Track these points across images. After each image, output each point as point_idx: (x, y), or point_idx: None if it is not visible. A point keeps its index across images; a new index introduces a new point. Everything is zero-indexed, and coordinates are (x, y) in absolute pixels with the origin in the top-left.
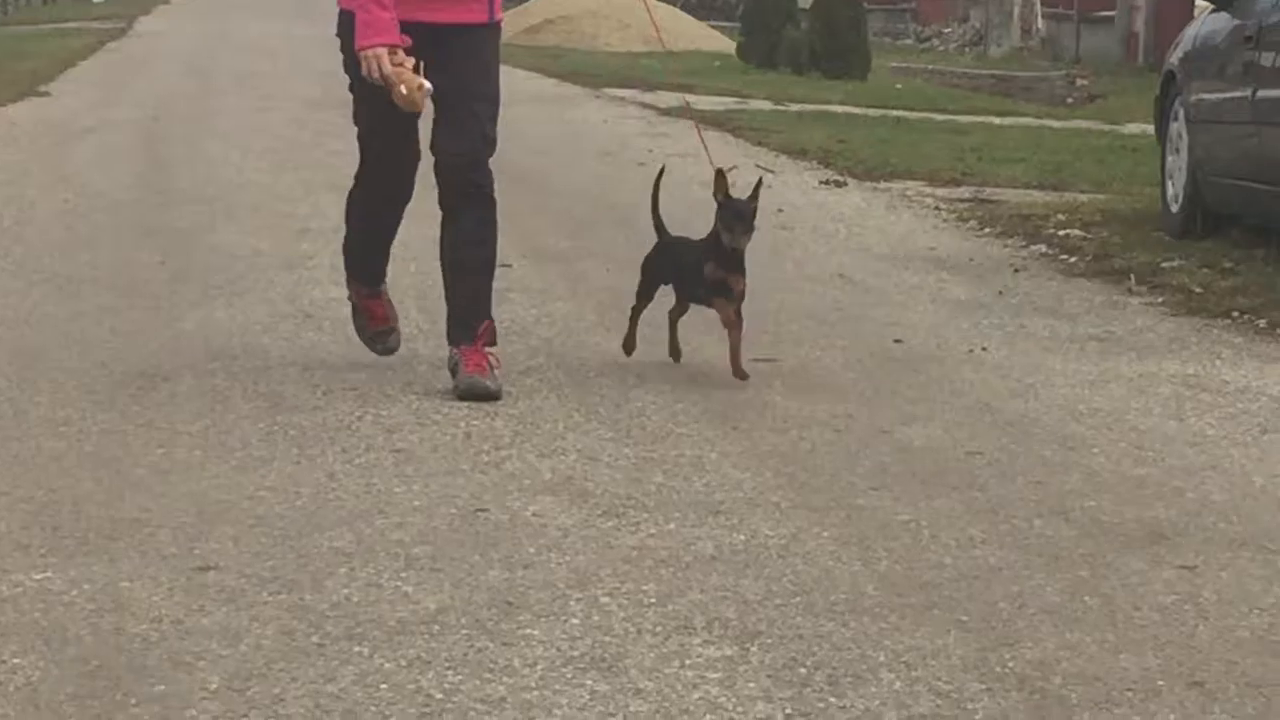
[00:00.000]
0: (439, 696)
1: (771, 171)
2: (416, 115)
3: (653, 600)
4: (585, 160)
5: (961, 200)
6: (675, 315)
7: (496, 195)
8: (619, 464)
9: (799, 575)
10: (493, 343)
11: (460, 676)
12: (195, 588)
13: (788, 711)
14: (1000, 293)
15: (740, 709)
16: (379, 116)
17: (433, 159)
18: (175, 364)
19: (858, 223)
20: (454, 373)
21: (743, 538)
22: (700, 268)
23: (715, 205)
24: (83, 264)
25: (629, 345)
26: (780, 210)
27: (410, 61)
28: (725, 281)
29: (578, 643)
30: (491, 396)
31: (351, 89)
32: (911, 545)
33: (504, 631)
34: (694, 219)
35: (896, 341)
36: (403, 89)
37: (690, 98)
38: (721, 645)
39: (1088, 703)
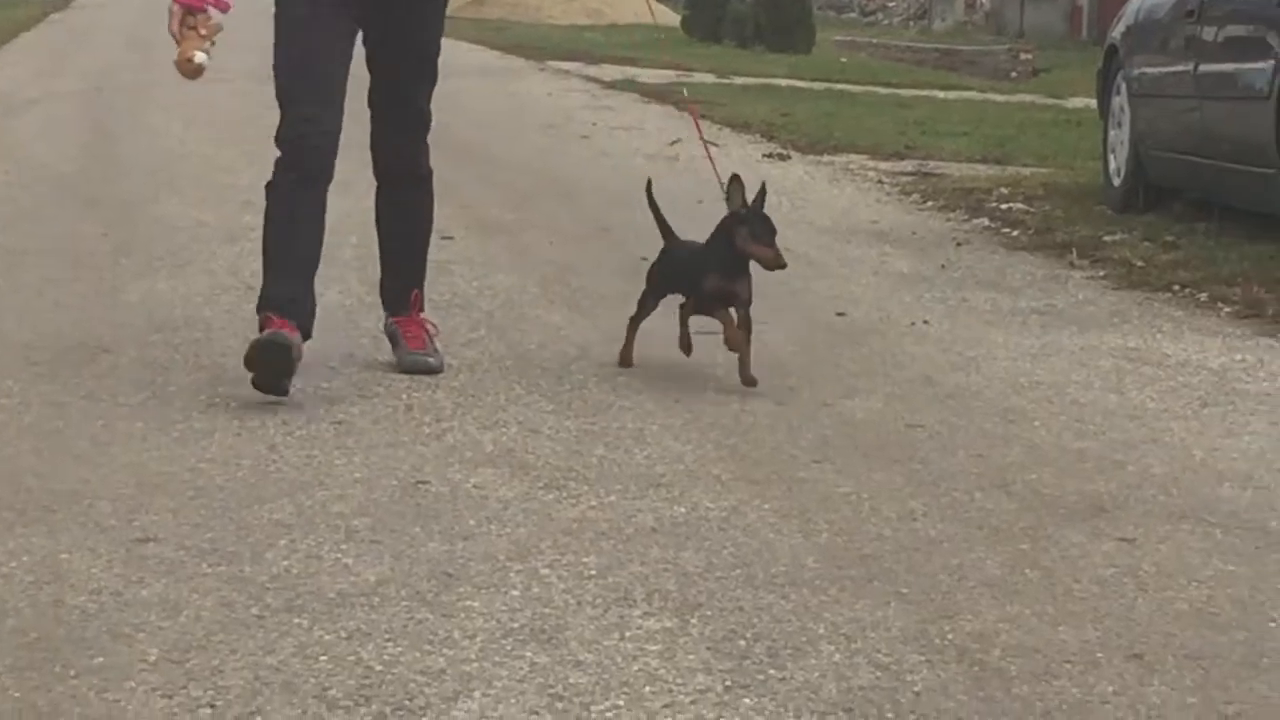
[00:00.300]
0: (378, 668)
1: (716, 145)
2: (338, 71)
3: (593, 572)
4: (529, 133)
5: (905, 174)
6: (687, 311)
7: (440, 170)
8: (560, 436)
9: (739, 548)
10: (421, 308)
11: (400, 648)
12: (135, 560)
13: (727, 683)
14: (943, 266)
15: (680, 681)
16: (305, 49)
17: (370, 141)
18: (117, 336)
19: (801, 196)
20: (393, 341)
21: (683, 510)
22: (703, 251)
23: (728, 212)
24: (25, 235)
25: (625, 358)
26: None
27: (211, 27)
28: (733, 291)
29: (518, 614)
30: (433, 372)
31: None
32: (852, 518)
33: (444, 603)
34: (635, 190)
35: (839, 315)
36: (177, 55)
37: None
38: (661, 617)
39: (1027, 674)
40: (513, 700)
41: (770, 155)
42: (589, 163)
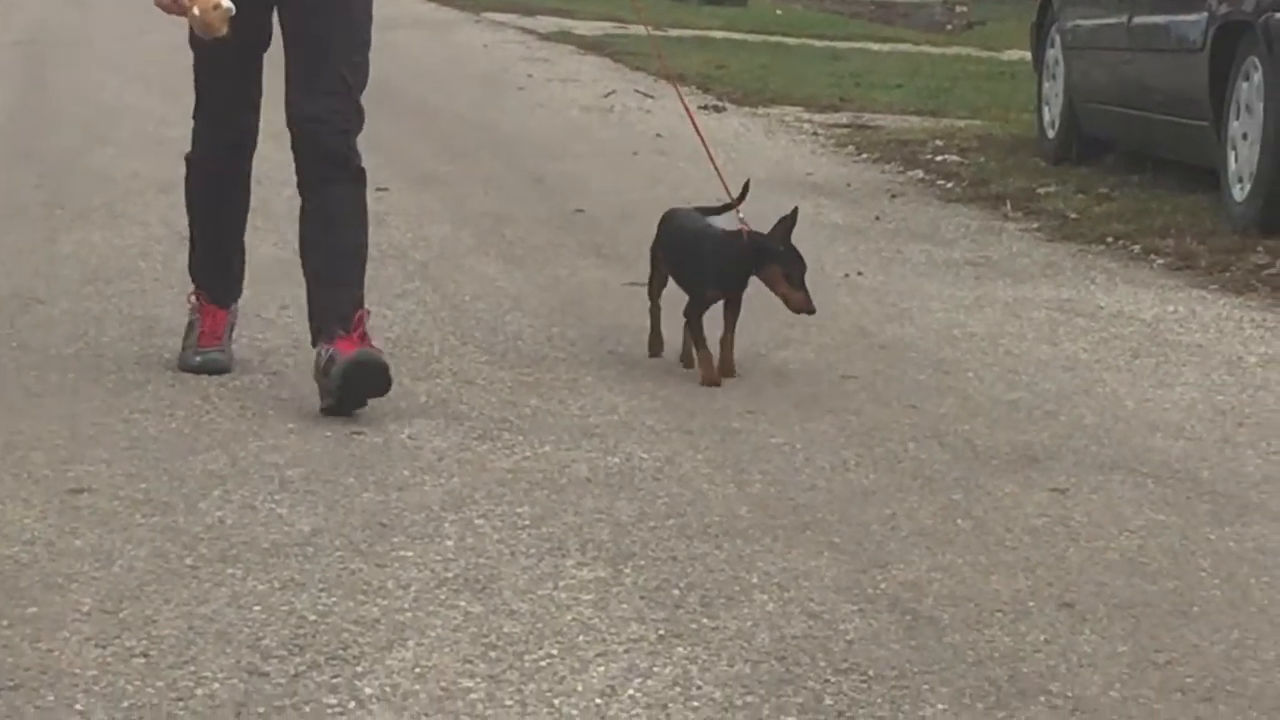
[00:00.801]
0: (312, 618)
1: (651, 96)
2: (256, 49)
3: (526, 522)
4: (465, 85)
5: (840, 126)
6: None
7: (375, 122)
8: (494, 387)
9: (673, 498)
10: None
11: (334, 598)
12: (68, 510)
13: (660, 632)
14: (877, 218)
15: (613, 630)
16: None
17: (287, 123)
18: (50, 287)
19: (736, 148)
20: (326, 371)
21: (617, 460)
22: (713, 256)
23: (758, 239)
24: None
25: (654, 345)
26: (658, 135)
27: None
28: (737, 299)
29: (451, 564)
30: (382, 370)
31: None
32: (785, 468)
33: (378, 553)
34: (570, 142)
35: None
36: (195, 9)
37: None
38: (595, 567)
39: (959, 623)
40: (446, 649)
41: (705, 107)
42: (525, 114)
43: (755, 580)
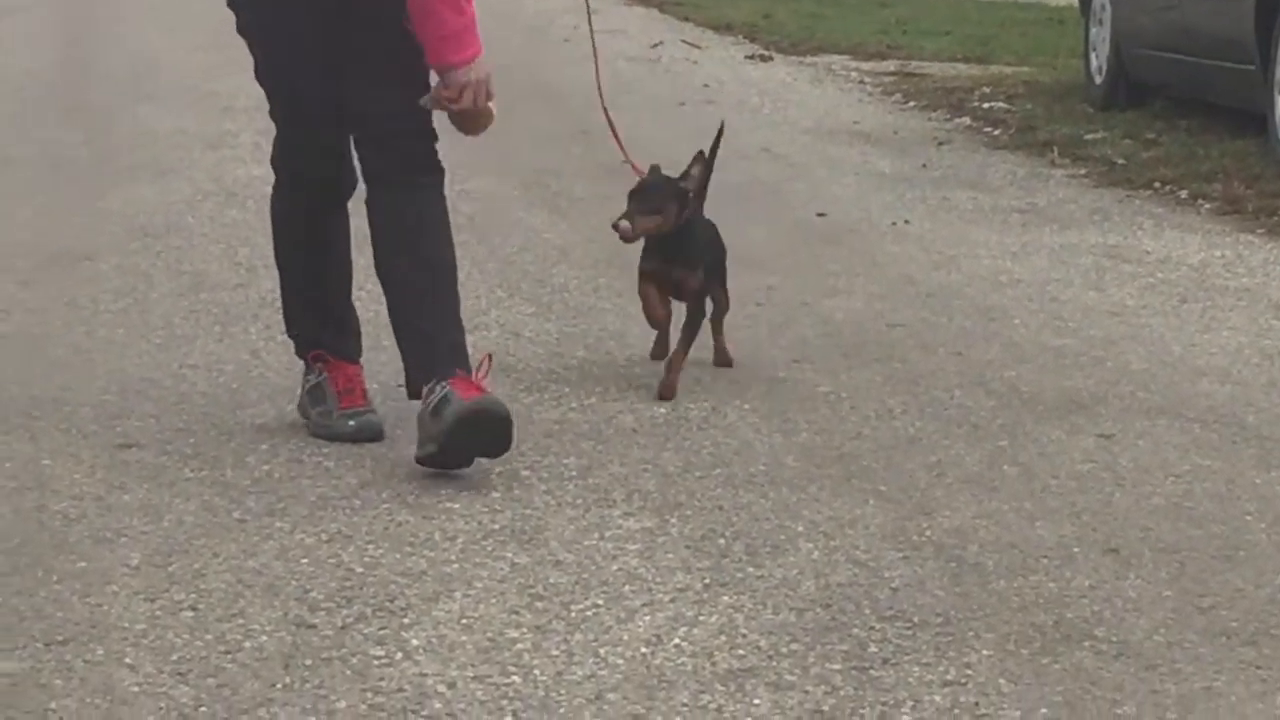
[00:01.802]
0: (359, 570)
1: (698, 46)
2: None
3: (573, 473)
4: (512, 37)
5: (886, 74)
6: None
7: None
8: (541, 339)
9: (719, 447)
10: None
11: (381, 550)
12: (117, 465)
13: (706, 581)
14: (924, 166)
15: (659, 579)
16: (299, 75)
17: (353, 125)
18: (98, 243)
19: (782, 97)
20: (436, 412)
21: (663, 411)
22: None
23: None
24: (4, 144)
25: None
26: (706, 85)
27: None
28: (657, 266)
29: (498, 516)
30: (504, 426)
31: (251, 46)
32: (831, 417)
33: (424, 505)
34: (616, 93)
35: (820, 215)
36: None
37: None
38: (641, 517)
39: (1003, 569)
40: (493, 600)
41: (752, 57)
42: (571, 66)
43: (800, 529)
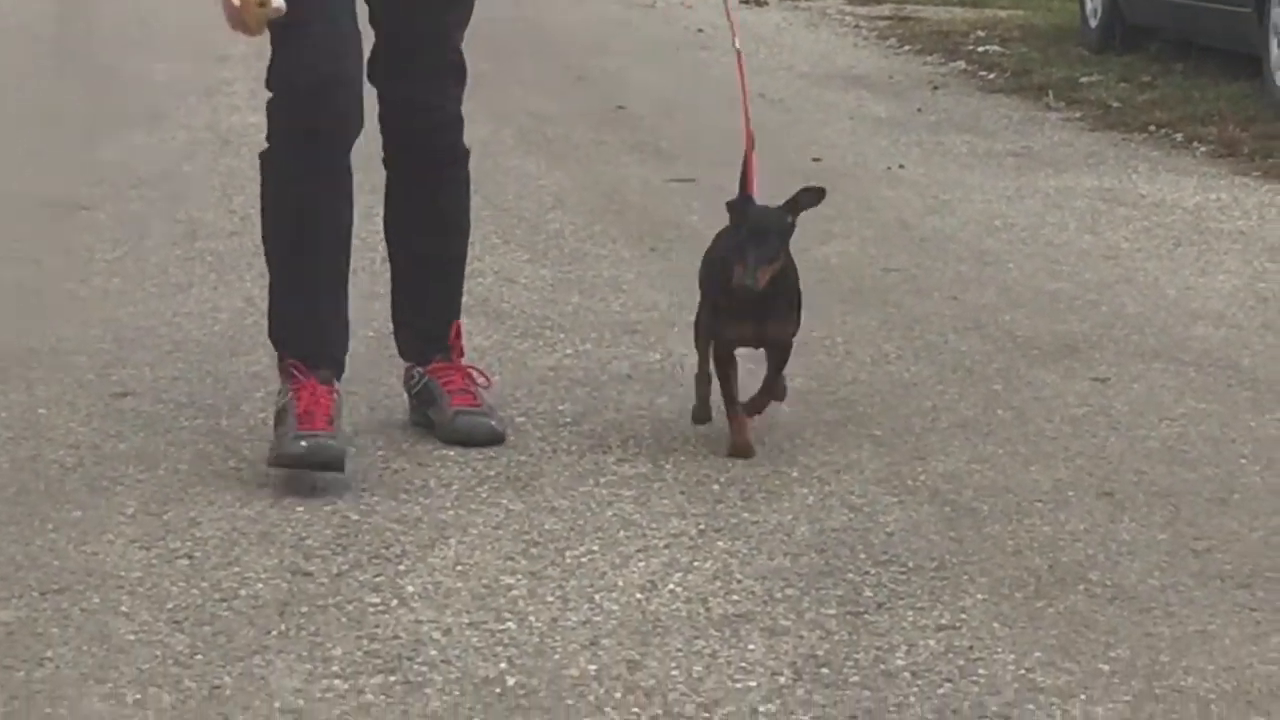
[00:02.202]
0: (355, 518)
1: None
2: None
3: (568, 420)
4: None
5: (881, 18)
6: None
7: None
8: (536, 285)
9: (714, 393)
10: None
11: (376, 498)
12: (113, 414)
13: (701, 527)
14: (919, 110)
15: (654, 525)
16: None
17: (379, 107)
18: (93, 191)
19: (777, 42)
20: (423, 399)
21: (658, 357)
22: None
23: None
24: (1, 94)
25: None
26: (700, 31)
27: None
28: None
29: (493, 463)
30: (497, 440)
31: None
32: (826, 362)
33: (420, 453)
34: (611, 39)
35: (815, 160)
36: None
37: None
38: (636, 463)
39: (998, 514)
40: (488, 547)
41: (747, 1)
42: (566, 11)
43: (795, 474)
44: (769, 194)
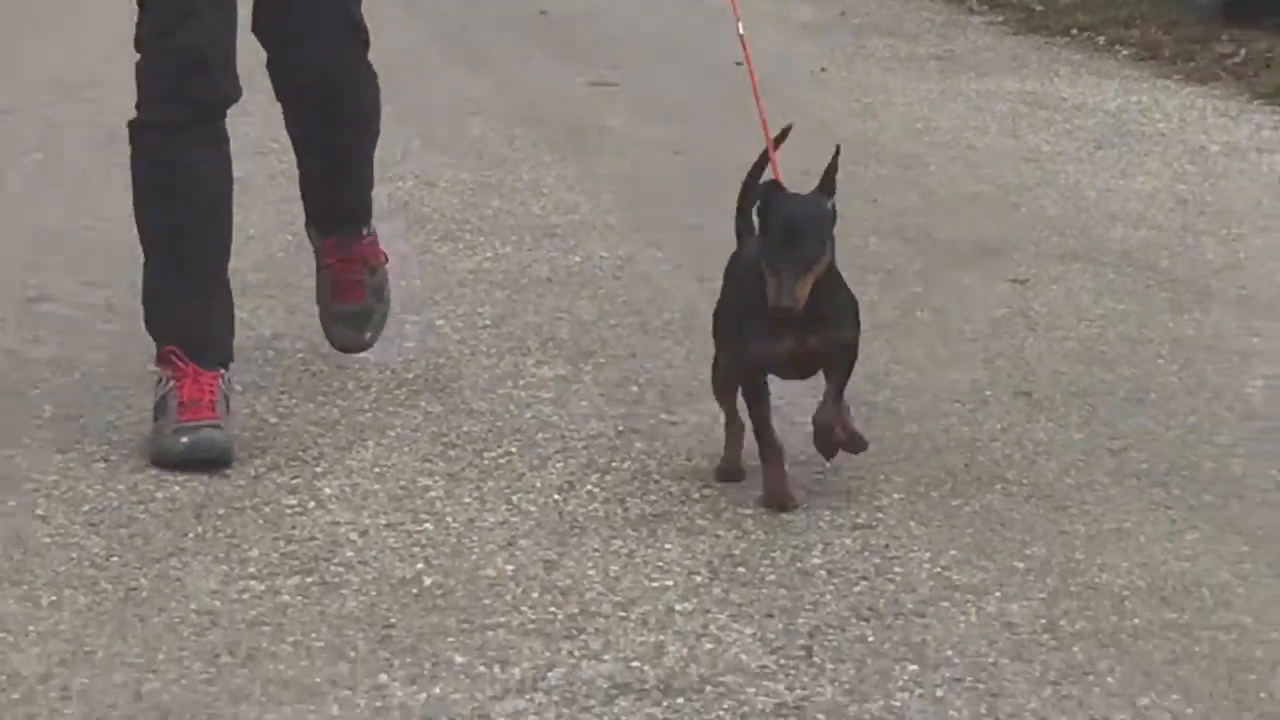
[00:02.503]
0: (273, 420)
1: None
2: None
3: (487, 322)
4: None
5: None
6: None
7: None
8: (456, 189)
9: (633, 295)
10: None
11: (294, 400)
12: (30, 318)
13: (620, 428)
14: (842, 14)
15: (572, 427)
16: None
17: (269, 64)
18: (12, 98)
19: None
20: (319, 278)
21: (578, 260)
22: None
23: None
24: None
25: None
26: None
27: None
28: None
29: (411, 365)
30: (361, 348)
31: None
32: None
33: (338, 355)
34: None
35: (738, 64)
36: None
37: None
38: (555, 365)
39: (915, 414)
40: (406, 449)
41: None
42: None
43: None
44: (701, 99)
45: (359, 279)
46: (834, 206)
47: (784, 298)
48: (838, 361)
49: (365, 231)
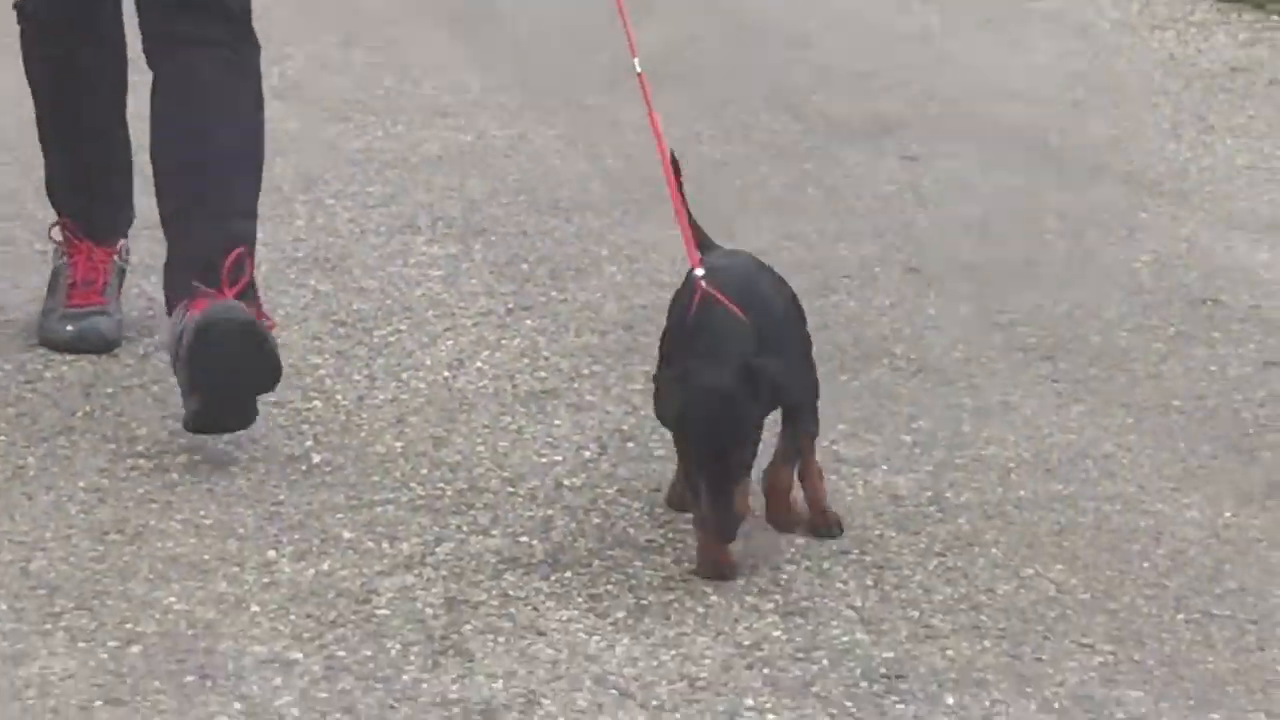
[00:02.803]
0: (161, 298)
1: None
2: None
3: (377, 201)
4: None
5: None
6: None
7: None
8: (347, 69)
9: (524, 174)
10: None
11: None
12: None
13: (509, 306)
14: None
15: (462, 305)
16: None
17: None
18: None
19: None
20: (175, 352)
21: (469, 139)
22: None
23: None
24: None
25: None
26: None
27: None
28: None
29: (301, 244)
30: (259, 340)
31: None
32: (637, 143)
33: None
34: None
35: None
36: None
37: None
38: (445, 244)
39: (805, 289)
40: (295, 327)
41: None
42: None
43: (605, 252)
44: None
45: None
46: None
47: (721, 532)
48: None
49: None
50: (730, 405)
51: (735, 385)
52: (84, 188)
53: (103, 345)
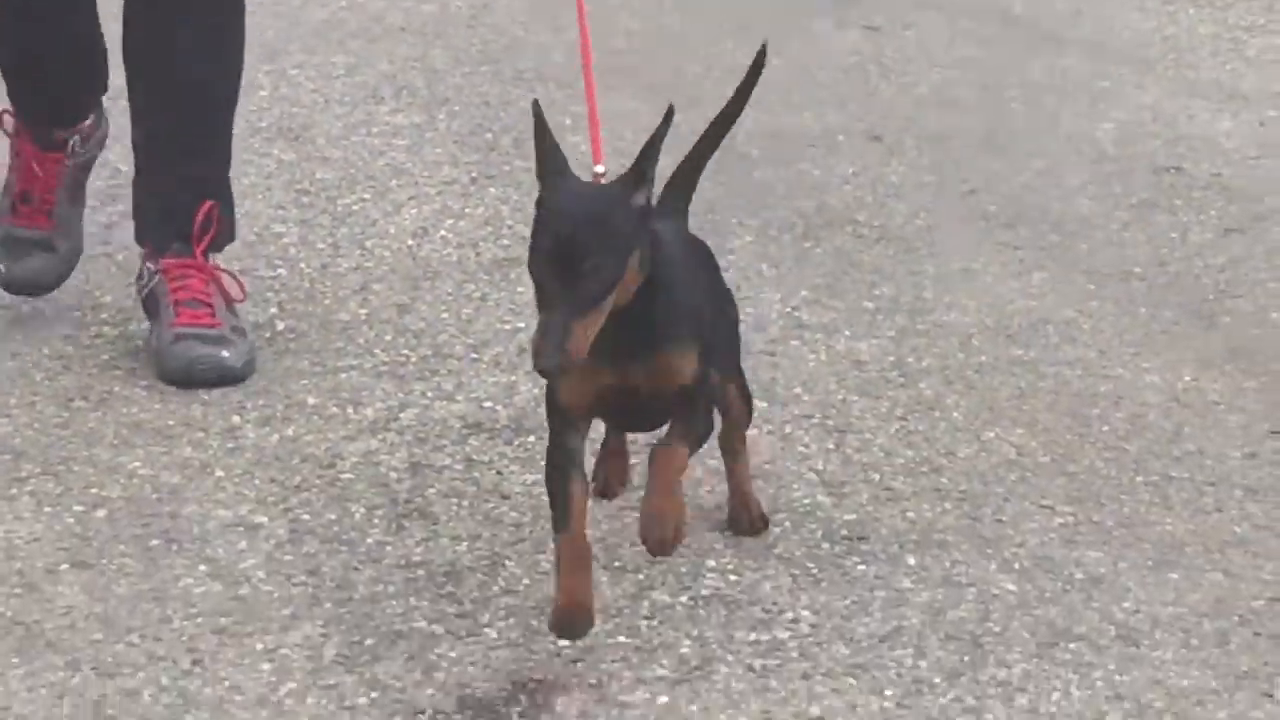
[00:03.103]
0: (125, 169)
1: None
2: None
3: (341, 71)
4: None
5: None
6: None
7: None
8: None
9: (487, 44)
10: (225, 239)
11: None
12: None
13: (473, 175)
14: None
15: (426, 174)
16: None
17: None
18: None
19: None
20: (151, 310)
21: (433, 9)
22: None
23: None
24: None
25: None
26: None
27: None
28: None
29: (265, 114)
30: (228, 379)
31: None
32: (600, 13)
33: None
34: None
35: None
36: None
37: None
38: (409, 113)
39: (768, 159)
40: (259, 196)
41: None
42: None
43: (568, 122)
44: None
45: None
46: (647, 202)
47: (545, 356)
48: (685, 407)
49: None
50: (599, 223)
51: (608, 208)
52: (36, 70)
53: (37, 288)
